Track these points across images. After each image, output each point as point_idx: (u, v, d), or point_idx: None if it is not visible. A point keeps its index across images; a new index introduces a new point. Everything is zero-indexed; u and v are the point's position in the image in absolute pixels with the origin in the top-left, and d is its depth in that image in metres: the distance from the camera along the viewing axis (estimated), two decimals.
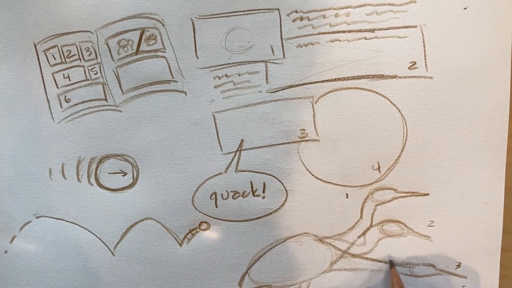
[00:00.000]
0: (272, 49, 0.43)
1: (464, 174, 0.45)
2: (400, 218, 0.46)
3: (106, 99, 0.44)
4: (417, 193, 0.46)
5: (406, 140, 0.45)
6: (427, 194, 0.46)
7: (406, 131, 0.44)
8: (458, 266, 0.47)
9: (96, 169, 0.45)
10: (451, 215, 0.46)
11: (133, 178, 0.45)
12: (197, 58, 0.43)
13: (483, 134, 0.44)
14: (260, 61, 0.43)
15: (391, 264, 0.47)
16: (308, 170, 0.45)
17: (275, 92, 0.44)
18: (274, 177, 0.45)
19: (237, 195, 0.46)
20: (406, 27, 0.42)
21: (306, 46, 0.43)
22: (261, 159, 0.45)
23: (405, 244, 0.47)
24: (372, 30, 0.42)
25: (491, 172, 0.45)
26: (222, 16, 0.42)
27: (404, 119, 0.44)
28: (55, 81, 0.43)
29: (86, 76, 0.43)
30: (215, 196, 0.46)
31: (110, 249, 0.46)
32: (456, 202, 0.46)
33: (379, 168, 0.45)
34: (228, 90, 0.44)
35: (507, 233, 0.47)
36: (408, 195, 0.46)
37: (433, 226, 0.46)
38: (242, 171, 0.45)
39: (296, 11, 0.42)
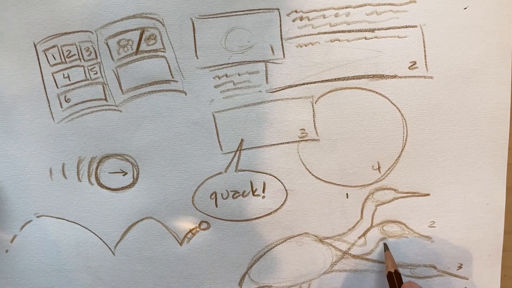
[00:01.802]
0: (272, 49, 0.43)
1: (465, 174, 0.45)
2: (400, 219, 0.46)
3: (106, 99, 0.44)
4: (418, 194, 0.46)
5: (406, 140, 0.45)
6: (428, 195, 0.46)
7: (406, 131, 0.44)
8: (460, 267, 0.47)
9: (97, 168, 0.45)
10: (452, 215, 0.46)
11: (133, 177, 0.45)
12: (197, 58, 0.43)
13: (484, 134, 0.44)
14: (260, 61, 0.43)
15: (385, 247, 0.46)
16: (308, 170, 0.45)
17: (275, 92, 0.44)
18: (274, 176, 0.45)
19: (237, 194, 0.46)
20: (406, 27, 0.42)
21: (306, 46, 0.43)
22: (261, 158, 0.45)
23: (406, 245, 0.46)
24: (372, 30, 0.42)
25: (492, 173, 0.45)
26: (222, 16, 0.42)
27: (404, 119, 0.44)
28: (55, 81, 0.44)
29: (86, 76, 0.43)
30: (215, 196, 0.46)
31: (110, 249, 0.47)
32: (457, 202, 0.46)
33: (379, 168, 0.45)
34: (228, 90, 0.44)
35: (509, 234, 0.46)
36: (409, 195, 0.46)
37: (434, 226, 0.46)
38: (242, 170, 0.45)
39: (296, 11, 0.42)
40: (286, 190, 0.46)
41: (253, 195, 0.46)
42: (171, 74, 0.43)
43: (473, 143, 0.44)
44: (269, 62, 0.43)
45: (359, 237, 0.47)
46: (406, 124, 0.44)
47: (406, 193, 0.46)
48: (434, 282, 0.47)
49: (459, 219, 0.46)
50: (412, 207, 0.46)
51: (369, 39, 0.43)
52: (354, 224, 0.46)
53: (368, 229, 0.46)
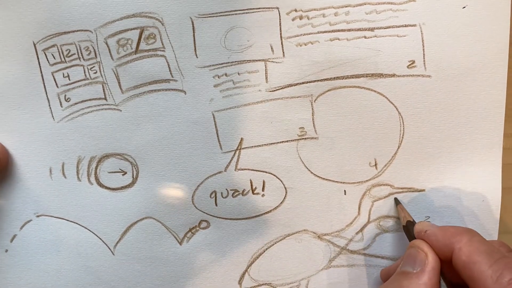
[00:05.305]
0: (271, 48, 0.43)
1: (460, 171, 0.46)
2: (396, 214, 0.47)
3: (105, 98, 0.44)
4: (413, 189, 0.46)
5: (403, 137, 0.45)
6: (423, 190, 0.46)
7: (403, 128, 0.45)
8: None
9: (96, 168, 0.45)
10: (446, 211, 0.47)
11: (132, 177, 0.45)
12: (197, 57, 0.43)
13: (479, 131, 0.45)
14: (259, 60, 0.43)
15: (397, 200, 0.46)
16: (307, 168, 0.46)
17: (274, 91, 0.44)
18: (274, 175, 0.46)
19: (236, 193, 0.46)
20: (405, 26, 0.43)
21: (305, 45, 0.43)
22: (261, 157, 0.45)
23: (401, 239, 0.47)
24: (372, 29, 0.43)
25: (487, 170, 0.46)
26: (221, 15, 0.42)
27: (401, 117, 0.44)
28: (55, 80, 0.43)
29: (85, 75, 0.43)
30: (215, 195, 0.46)
31: (110, 248, 0.46)
32: (452, 198, 0.46)
33: (376, 165, 0.46)
34: (228, 89, 0.44)
35: (508, 234, 0.47)
36: (404, 190, 0.46)
37: (428, 221, 0.47)
38: (242, 169, 0.45)
39: (295, 10, 0.42)
40: (285, 188, 0.46)
41: (253, 193, 0.46)
42: (171, 73, 0.43)
43: (468, 140, 0.45)
44: (269, 61, 0.43)
45: (357, 233, 0.47)
46: (403, 122, 0.45)
47: (401, 188, 0.46)
48: None
49: (453, 215, 0.47)
50: (408, 203, 0.46)
51: (368, 38, 0.43)
52: (351, 220, 0.47)
53: (365, 225, 0.47)
